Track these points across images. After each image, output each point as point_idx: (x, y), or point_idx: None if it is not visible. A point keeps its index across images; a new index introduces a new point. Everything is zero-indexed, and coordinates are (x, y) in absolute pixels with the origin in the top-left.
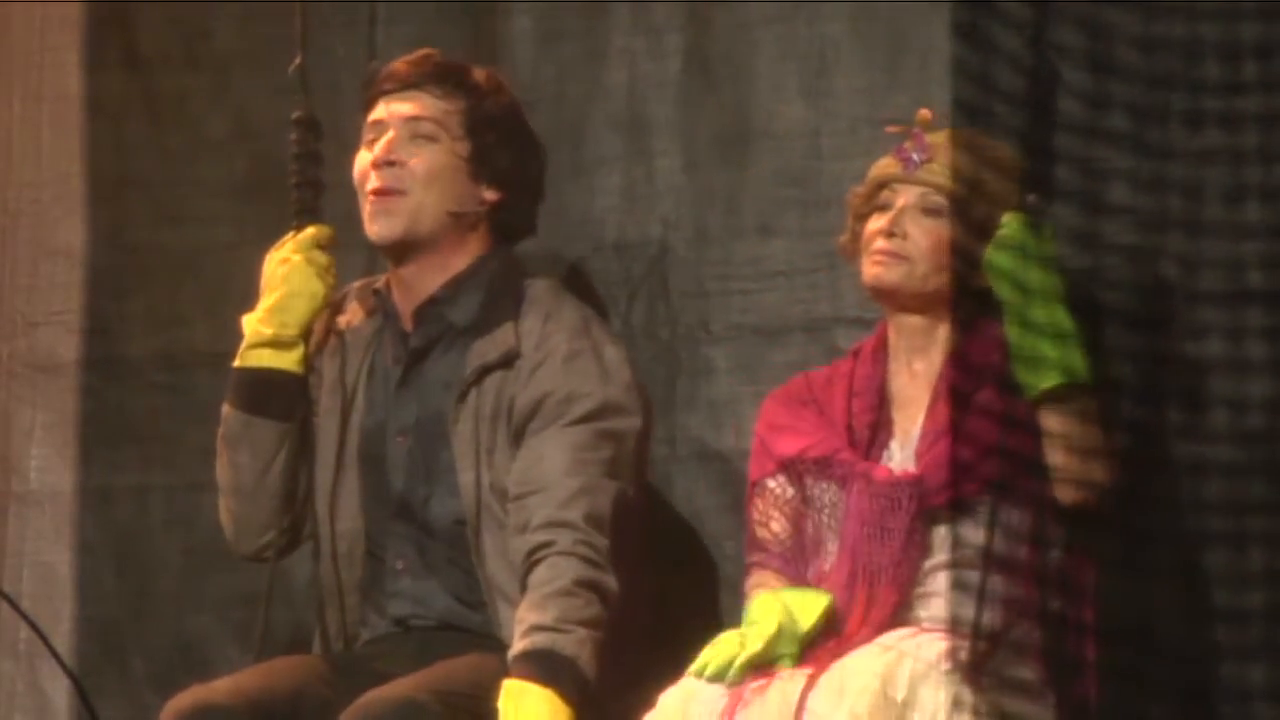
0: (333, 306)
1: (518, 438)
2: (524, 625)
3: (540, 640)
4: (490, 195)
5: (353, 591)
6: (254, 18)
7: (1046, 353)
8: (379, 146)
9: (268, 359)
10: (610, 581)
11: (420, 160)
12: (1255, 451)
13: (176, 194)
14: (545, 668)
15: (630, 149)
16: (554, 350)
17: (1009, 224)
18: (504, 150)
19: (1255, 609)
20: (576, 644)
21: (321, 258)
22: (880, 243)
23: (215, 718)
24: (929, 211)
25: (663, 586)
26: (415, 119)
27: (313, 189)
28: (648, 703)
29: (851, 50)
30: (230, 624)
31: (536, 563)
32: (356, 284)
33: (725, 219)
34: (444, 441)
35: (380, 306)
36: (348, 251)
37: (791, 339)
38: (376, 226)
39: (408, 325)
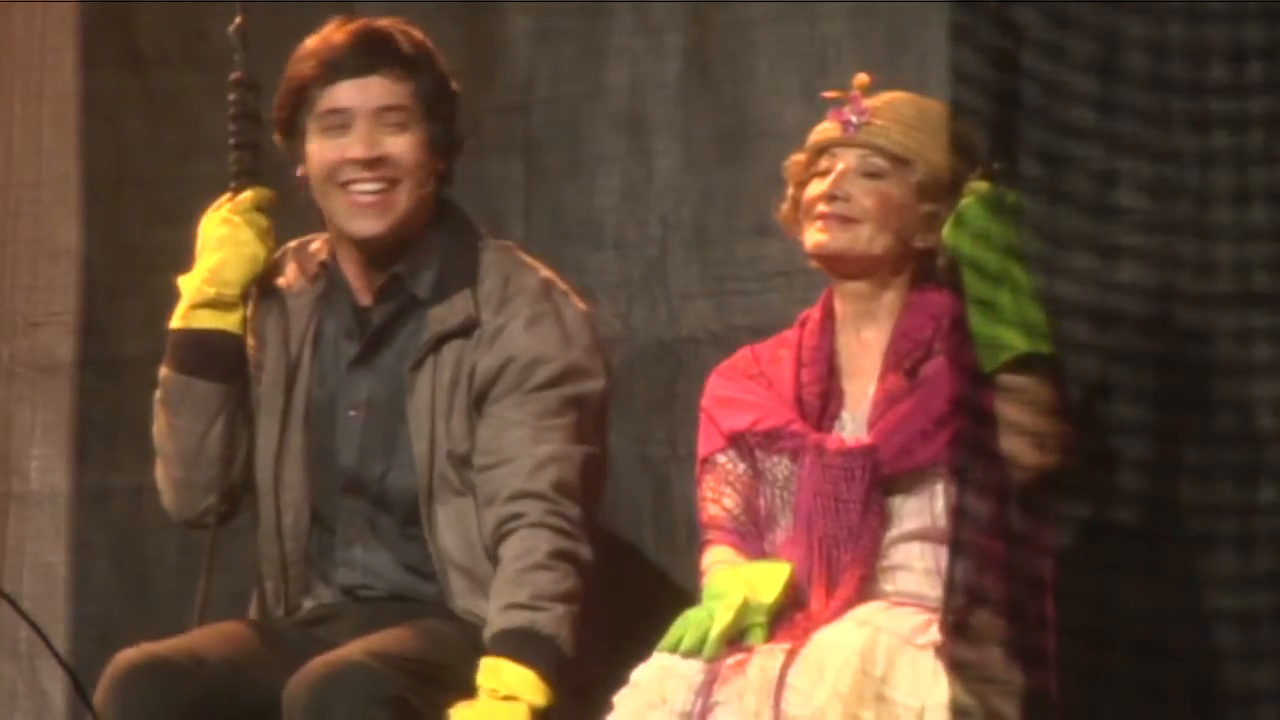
0: (270, 267)
1: (479, 404)
2: (500, 602)
3: (518, 619)
4: (440, 166)
5: (297, 562)
6: (250, 17)
7: (1009, 322)
8: (357, 141)
9: (209, 320)
10: (584, 550)
11: (401, 150)
12: (1261, 454)
13: (174, 193)
14: (524, 647)
15: (630, 149)
16: (515, 315)
17: (976, 189)
18: (450, 119)
19: (1263, 611)
20: (555, 622)
21: (261, 220)
22: (822, 207)
23: (162, 671)
24: (870, 174)
25: (662, 586)
26: (385, 109)
27: (251, 151)
28: (621, 680)
29: (851, 50)
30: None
31: (507, 535)
32: (292, 244)
33: (725, 219)
34: (400, 414)
35: (325, 274)
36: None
37: None
38: (366, 225)
39: (363, 299)
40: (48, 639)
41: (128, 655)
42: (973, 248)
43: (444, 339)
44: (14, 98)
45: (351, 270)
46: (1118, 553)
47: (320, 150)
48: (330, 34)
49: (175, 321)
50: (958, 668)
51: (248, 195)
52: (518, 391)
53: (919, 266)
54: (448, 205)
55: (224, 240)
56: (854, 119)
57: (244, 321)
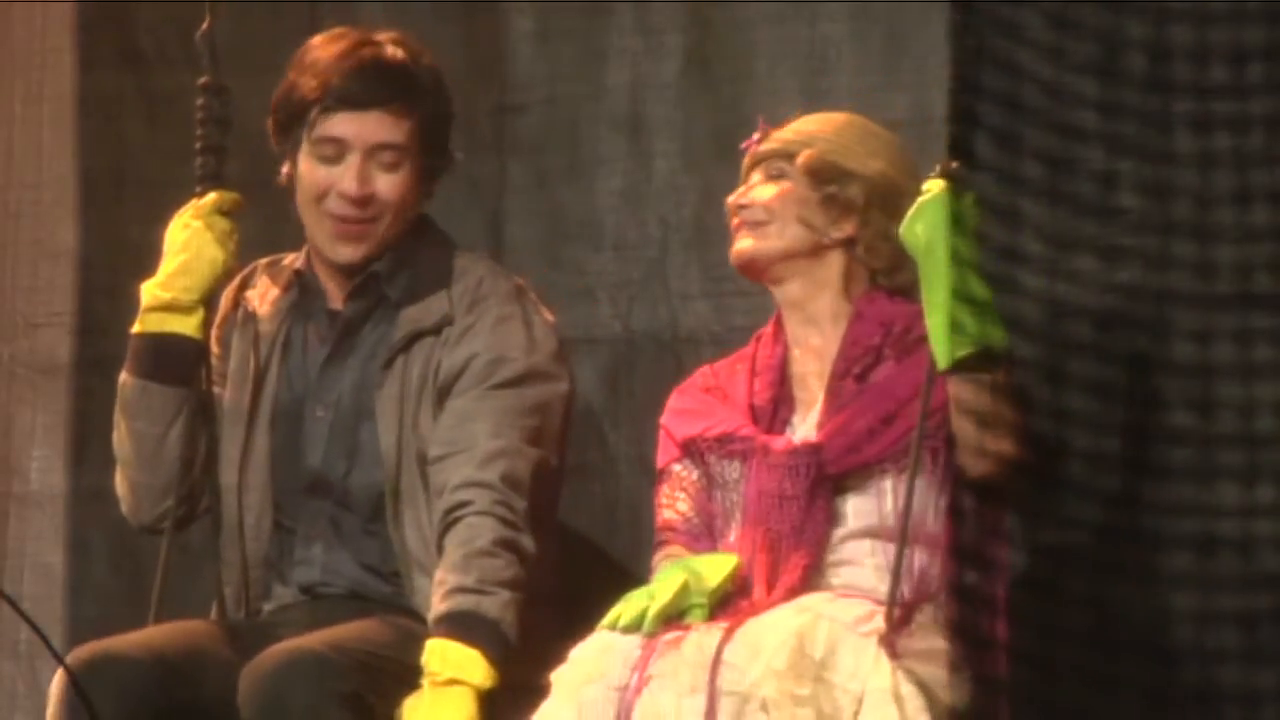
0: (240, 280)
1: (441, 399)
2: (445, 586)
3: (464, 601)
4: (431, 188)
5: (257, 565)
6: (249, 16)
7: (962, 321)
8: (349, 177)
9: (165, 323)
10: (527, 542)
11: (389, 188)
12: (1263, 455)
13: (173, 193)
14: (470, 629)
15: (630, 149)
16: (484, 314)
17: (928, 190)
18: (444, 147)
19: (1264, 612)
20: (500, 606)
21: (223, 223)
22: (734, 220)
23: (118, 667)
24: (771, 177)
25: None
26: (381, 147)
27: (215, 155)
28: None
29: (851, 51)
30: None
31: (454, 522)
32: (264, 261)
33: (725, 220)
34: (368, 412)
35: (298, 283)
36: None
37: None
38: (346, 251)
39: (336, 304)
40: (48, 639)
41: (81, 651)
42: (928, 242)
43: (416, 337)
44: (14, 99)
45: (327, 275)
46: (1098, 550)
47: (311, 172)
48: (338, 50)
49: (135, 326)
50: (904, 655)
51: (210, 199)
52: (479, 387)
53: (852, 269)
54: (425, 217)
55: (185, 244)
56: (756, 136)
57: (203, 325)
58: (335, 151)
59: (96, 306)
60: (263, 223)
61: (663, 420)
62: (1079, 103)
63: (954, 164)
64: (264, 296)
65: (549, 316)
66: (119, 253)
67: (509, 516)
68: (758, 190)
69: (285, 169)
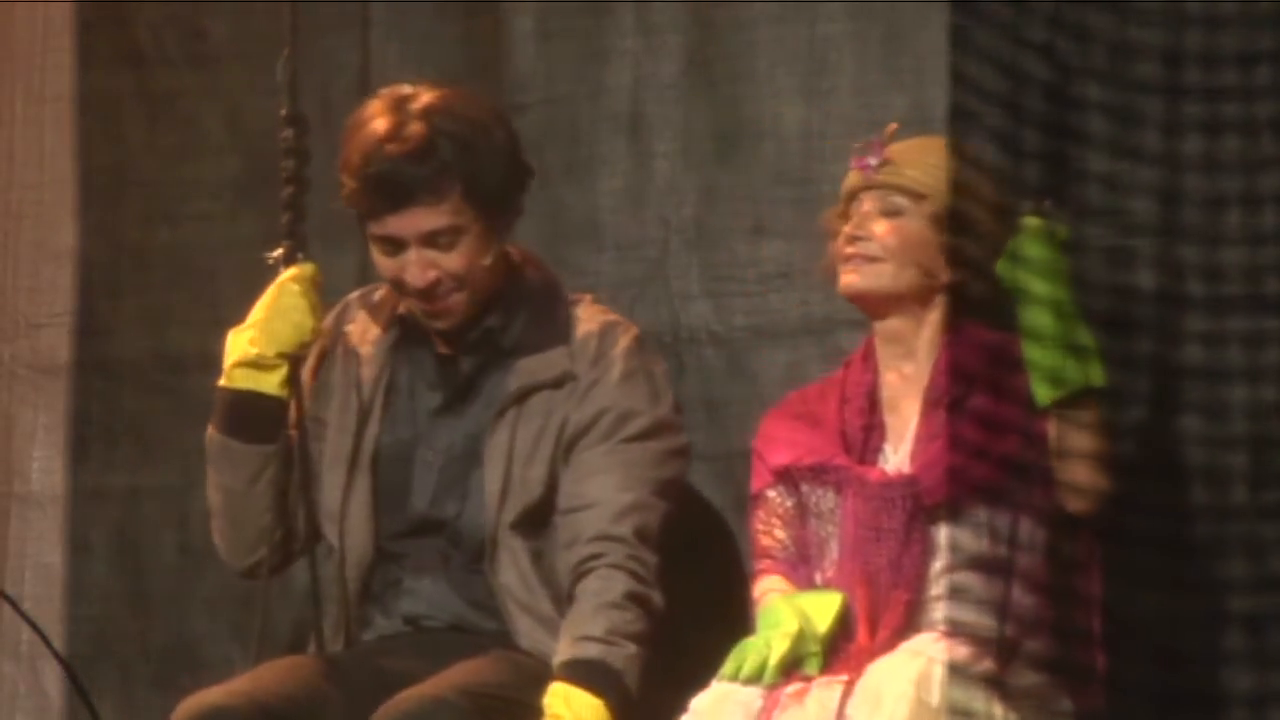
0: (335, 316)
1: (568, 454)
2: (574, 634)
3: (591, 650)
4: (506, 228)
5: (359, 601)
6: (248, 16)
7: (1067, 355)
8: (411, 270)
9: (246, 380)
10: (656, 598)
11: (455, 263)
12: (1270, 457)
13: (171, 193)
14: (595, 678)
15: (630, 149)
16: (609, 368)
17: (1026, 228)
18: (505, 194)
19: (1272, 614)
20: (626, 660)
21: (316, 295)
22: (847, 249)
23: (221, 718)
24: (889, 212)
25: (665, 587)
26: (433, 234)
27: (297, 186)
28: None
29: (851, 51)
30: (226, 623)
31: (585, 574)
32: (355, 294)
33: (725, 219)
34: (477, 458)
35: (400, 325)
36: (340, 254)
37: (791, 340)
38: (439, 325)
39: (442, 348)
40: (48, 640)
41: (186, 706)
42: (1028, 282)
43: (532, 390)
44: (14, 99)
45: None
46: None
47: (380, 262)
48: (365, 149)
49: (221, 379)
50: (1010, 694)
51: (310, 270)
52: (608, 441)
53: (954, 302)
54: (527, 256)
55: (277, 304)
56: (873, 162)
57: (285, 383)
58: (393, 247)
59: (97, 306)
60: (263, 222)
61: (755, 444)
62: (1080, 104)
63: (1047, 201)
64: (363, 335)
65: (664, 365)
66: (119, 253)
67: (640, 571)
68: (876, 224)
69: None
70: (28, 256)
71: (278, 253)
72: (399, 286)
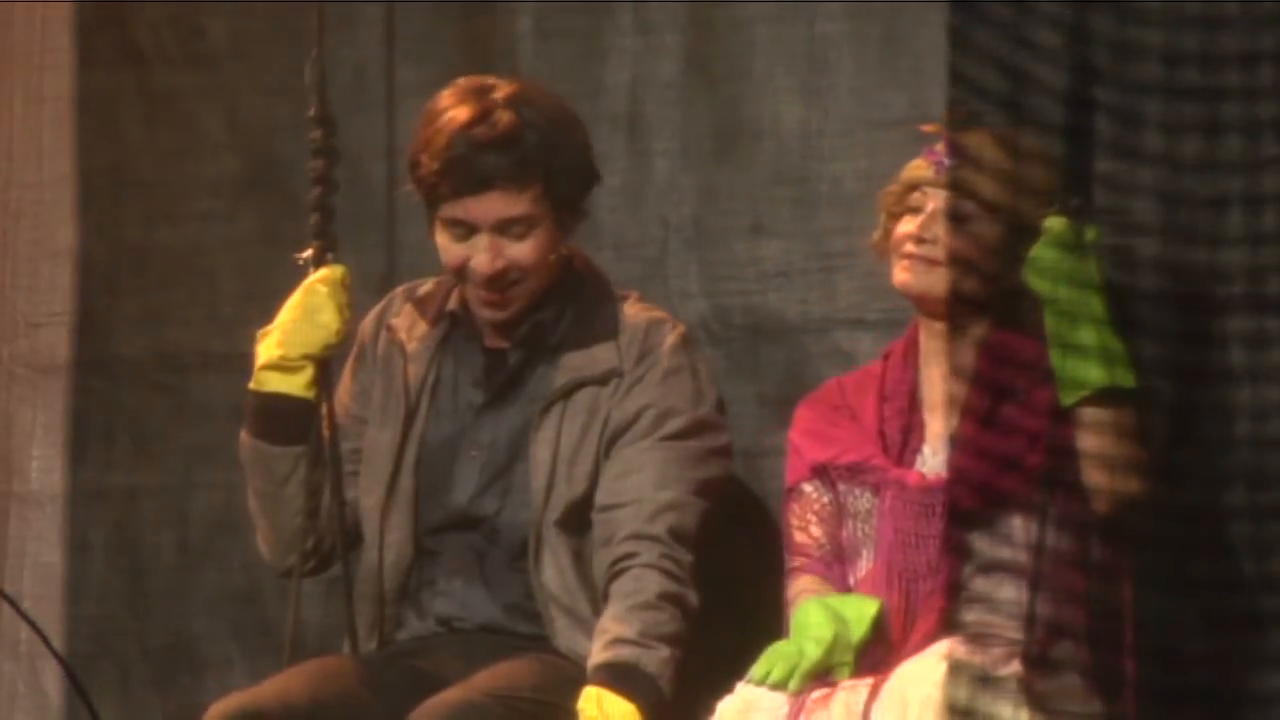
0: (379, 310)
1: (609, 449)
2: (607, 636)
3: (625, 653)
4: (572, 226)
5: (395, 600)
6: (248, 16)
7: (1090, 356)
8: (481, 256)
9: (274, 382)
10: (692, 597)
11: (525, 253)
12: (1271, 458)
13: (170, 192)
14: (629, 681)
15: (630, 149)
16: (653, 366)
17: (1053, 226)
18: (580, 195)
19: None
20: (660, 662)
21: (344, 295)
22: (909, 247)
23: None
24: (958, 217)
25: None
26: (509, 222)
27: (325, 186)
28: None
29: (849, 50)
30: (226, 622)
31: (620, 573)
32: (401, 290)
33: (724, 219)
34: (523, 453)
35: (450, 321)
36: (368, 252)
37: (791, 339)
38: (497, 316)
39: (492, 341)
40: (48, 639)
41: (218, 709)
42: (1050, 286)
43: (579, 386)
44: (14, 99)
45: (481, 314)
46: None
47: (447, 248)
48: (453, 129)
49: (251, 383)
50: (1038, 698)
51: (340, 271)
52: (648, 438)
53: (1005, 303)
54: (580, 256)
55: (304, 305)
56: (946, 160)
57: (312, 384)
58: (464, 231)
59: (96, 306)
60: (262, 222)
61: (792, 435)
62: (1080, 104)
63: (1073, 201)
64: (411, 331)
65: (709, 366)
66: (119, 253)
67: (675, 571)
68: (942, 227)
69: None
70: (27, 255)
71: (307, 254)
72: (462, 274)
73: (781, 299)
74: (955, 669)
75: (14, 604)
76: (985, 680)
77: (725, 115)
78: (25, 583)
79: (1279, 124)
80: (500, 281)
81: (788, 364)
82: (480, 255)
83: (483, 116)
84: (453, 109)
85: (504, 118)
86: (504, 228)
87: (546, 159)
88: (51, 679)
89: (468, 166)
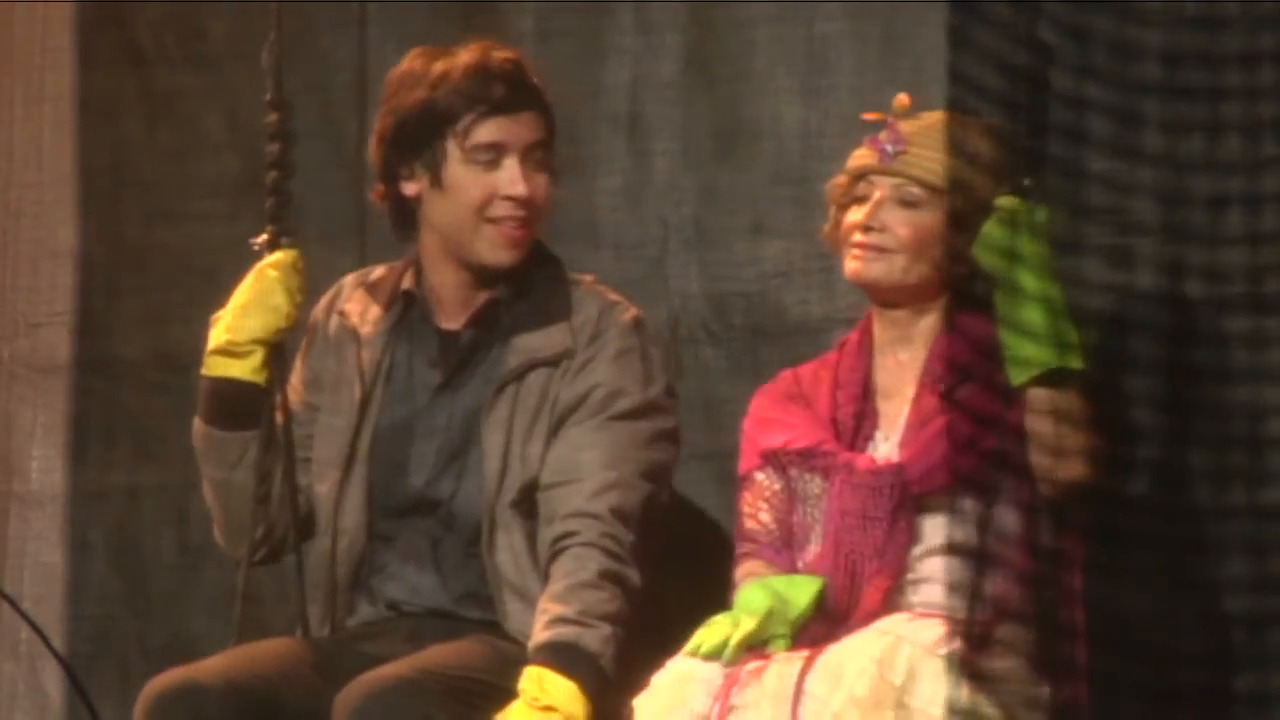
0: (329, 298)
1: (557, 429)
2: (548, 616)
3: (566, 633)
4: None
5: (347, 587)
6: (248, 16)
7: (1040, 337)
8: (513, 179)
9: (221, 367)
10: (633, 576)
11: (540, 191)
12: (1275, 459)
13: (171, 192)
14: (570, 660)
15: (630, 149)
16: (604, 347)
17: (1004, 205)
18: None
19: (1276, 614)
20: (601, 641)
21: (297, 279)
22: (858, 236)
23: (198, 698)
24: (906, 203)
25: (665, 586)
26: (534, 146)
27: (282, 171)
28: (638, 687)
29: (849, 50)
30: (226, 622)
31: (560, 552)
32: (350, 278)
33: (725, 219)
34: (476, 436)
35: (404, 303)
36: (340, 253)
37: (790, 339)
38: (507, 256)
39: (447, 323)
40: (48, 639)
41: (158, 683)
42: (1000, 264)
43: (531, 367)
44: (14, 99)
45: (446, 295)
46: (1136, 560)
47: (470, 181)
48: (473, 61)
49: (202, 367)
50: (978, 678)
51: (293, 256)
52: (596, 418)
53: (957, 291)
54: (538, 240)
55: (253, 289)
56: (890, 148)
57: (262, 369)
58: (492, 157)
59: (96, 306)
60: (262, 222)
61: (745, 425)
62: (1079, 104)
63: (1026, 181)
64: (364, 315)
65: (661, 349)
66: (119, 253)
67: (615, 549)
68: (890, 215)
69: (411, 189)
70: (27, 255)
71: (262, 238)
72: (486, 205)
73: (781, 299)
74: (954, 668)
75: (14, 604)
76: (959, 673)
77: (725, 115)
78: (25, 583)
79: (1279, 124)
80: (528, 209)
81: (788, 364)
82: (513, 181)
83: (487, 51)
84: (441, 57)
85: (508, 53)
86: (530, 153)
87: (547, 102)
88: (52, 679)
89: (504, 88)
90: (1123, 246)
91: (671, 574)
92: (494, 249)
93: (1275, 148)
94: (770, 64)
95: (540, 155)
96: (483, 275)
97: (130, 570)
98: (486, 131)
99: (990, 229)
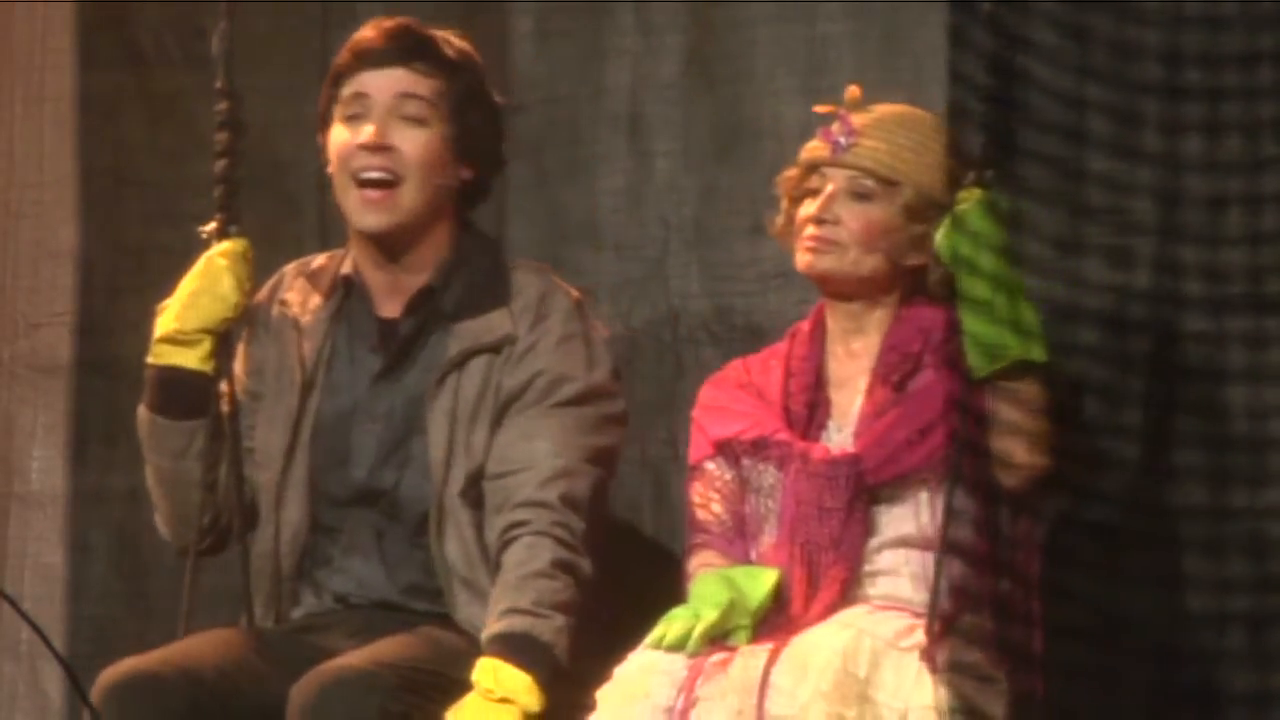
0: (270, 287)
1: (501, 417)
2: (500, 606)
3: (518, 623)
4: (466, 174)
5: (291, 577)
6: (248, 16)
7: (1003, 326)
8: (368, 128)
9: (168, 355)
10: (585, 564)
11: (412, 145)
12: (1274, 459)
13: (170, 193)
14: (523, 651)
15: (630, 149)
16: (547, 332)
17: (969, 195)
18: (483, 128)
19: (1275, 613)
20: (554, 631)
21: (245, 268)
22: (810, 229)
23: (149, 687)
24: (858, 195)
25: (662, 586)
26: (404, 96)
27: (231, 159)
28: (592, 676)
29: (850, 50)
30: (226, 622)
31: (511, 541)
32: (291, 267)
33: (725, 219)
34: (420, 425)
35: (344, 290)
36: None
37: None
38: (371, 219)
39: (385, 310)
40: (48, 640)
41: (112, 673)
42: (970, 251)
43: (472, 354)
44: (14, 99)
45: (377, 280)
46: (1112, 554)
47: (336, 137)
48: (370, 27)
49: (148, 356)
50: (945, 669)
51: (242, 245)
52: (541, 405)
53: (910, 281)
54: (473, 225)
55: (201, 278)
56: (842, 140)
57: (209, 358)
58: (360, 109)
59: (96, 306)
60: (263, 222)
61: (695, 414)
62: (1079, 104)
63: (989, 172)
64: (304, 304)
65: (605, 331)
66: (119, 253)
67: (567, 538)
68: (842, 208)
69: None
70: (28, 256)
71: (210, 227)
72: (348, 160)
73: (781, 299)
74: (992, 683)
75: (14, 604)
76: (956, 673)
77: (726, 115)
78: (26, 583)
79: (1279, 124)
80: (384, 159)
81: None
82: (368, 129)
83: (402, 21)
84: (368, 25)
85: (427, 27)
86: (398, 105)
87: (455, 66)
88: (52, 679)
89: (381, 43)
90: (1122, 246)
91: (667, 571)
92: (358, 211)
93: (1275, 148)
94: (771, 64)
95: (417, 109)
96: (401, 259)
97: (130, 571)
98: (355, 84)
99: (957, 216)
